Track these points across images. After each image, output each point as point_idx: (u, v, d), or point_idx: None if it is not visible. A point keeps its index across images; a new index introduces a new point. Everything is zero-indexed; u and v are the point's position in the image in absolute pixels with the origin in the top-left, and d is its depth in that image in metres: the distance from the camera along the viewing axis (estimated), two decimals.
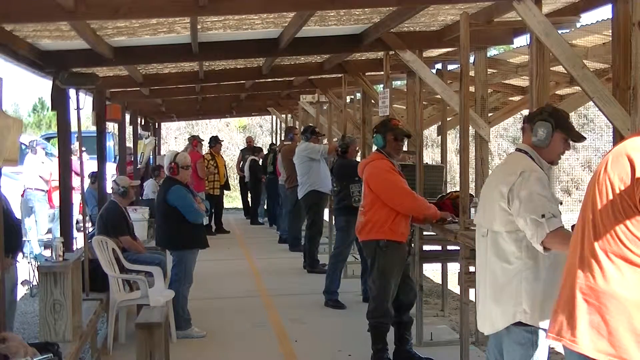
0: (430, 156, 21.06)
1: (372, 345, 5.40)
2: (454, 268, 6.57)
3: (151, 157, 15.14)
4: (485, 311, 3.43)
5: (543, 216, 3.09)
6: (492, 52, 8.38)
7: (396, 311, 5.45)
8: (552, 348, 3.45)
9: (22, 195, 10.75)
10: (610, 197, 2.34)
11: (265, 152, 15.84)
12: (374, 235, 5.29)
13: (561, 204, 3.37)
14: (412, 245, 5.77)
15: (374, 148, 5.71)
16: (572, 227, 2.91)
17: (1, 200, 3.89)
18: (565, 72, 5.87)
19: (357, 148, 8.08)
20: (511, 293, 3.26)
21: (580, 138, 3.47)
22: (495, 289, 3.33)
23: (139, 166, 13.37)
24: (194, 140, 12.87)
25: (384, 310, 5.32)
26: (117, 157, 12.89)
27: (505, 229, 3.27)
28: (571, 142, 3.43)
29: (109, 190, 8.23)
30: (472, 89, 5.65)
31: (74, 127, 6.55)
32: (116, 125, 12.73)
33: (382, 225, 5.26)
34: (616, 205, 2.32)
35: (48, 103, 24.17)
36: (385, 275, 5.28)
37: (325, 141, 10.57)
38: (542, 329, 3.18)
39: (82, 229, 6.99)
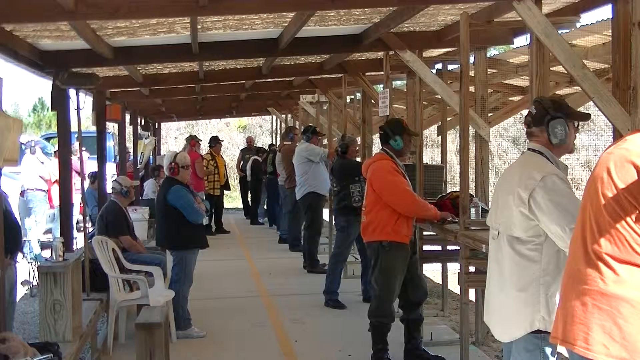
0: (430, 156, 21.06)
1: (372, 345, 5.40)
2: (454, 268, 6.57)
3: (151, 157, 15.15)
4: (501, 319, 3.32)
5: None
6: (492, 52, 8.38)
7: (404, 309, 5.51)
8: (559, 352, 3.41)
9: (22, 195, 10.74)
10: (617, 203, 2.31)
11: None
12: (377, 236, 5.31)
13: None
14: (416, 243, 5.75)
15: (374, 148, 5.73)
16: None
17: (1, 199, 3.89)
18: (565, 72, 5.87)
19: (357, 148, 8.07)
20: (528, 300, 3.15)
21: (586, 117, 3.42)
22: (512, 295, 3.21)
23: (139, 166, 13.38)
24: (192, 140, 12.90)
25: (385, 310, 5.33)
26: (117, 157, 12.89)
27: (527, 235, 3.16)
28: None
29: (109, 190, 8.23)
30: (472, 89, 5.65)
31: (74, 127, 6.55)
32: (116, 125, 12.74)
33: (385, 226, 5.28)
34: (624, 211, 2.29)
35: (48, 103, 24.19)
36: (388, 274, 5.29)
37: (325, 141, 10.57)
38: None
39: (82, 229, 6.99)
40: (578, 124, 3.35)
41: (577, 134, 3.37)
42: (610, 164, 2.37)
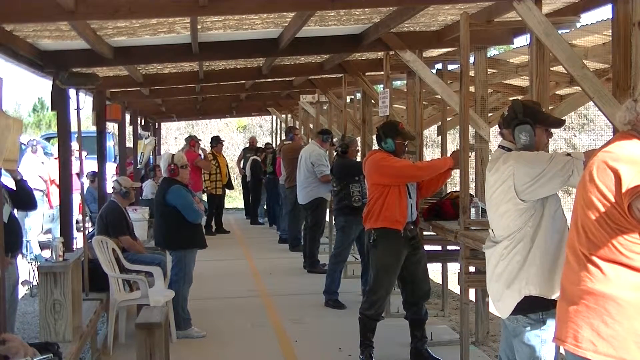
0: (430, 156, 21.03)
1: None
2: (454, 268, 6.57)
3: (151, 157, 15.15)
4: (497, 296, 3.47)
5: (569, 154, 3.18)
6: (492, 52, 8.38)
7: (404, 307, 5.61)
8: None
9: None
10: (601, 205, 2.39)
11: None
12: (371, 224, 5.34)
13: None
14: (415, 237, 5.45)
15: (374, 148, 5.74)
16: None
17: (1, 197, 3.88)
18: (565, 72, 5.87)
19: (357, 148, 8.06)
20: (513, 271, 3.31)
21: (559, 123, 3.54)
22: (504, 272, 3.37)
23: (139, 166, 13.37)
24: (192, 141, 12.90)
25: (369, 302, 5.41)
26: (117, 157, 12.89)
27: (507, 232, 3.33)
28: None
29: (109, 190, 8.22)
30: (472, 89, 5.65)
31: (74, 127, 6.55)
32: (116, 125, 12.73)
33: (375, 214, 5.30)
34: (607, 213, 2.37)
35: (48, 103, 24.16)
36: (376, 271, 5.35)
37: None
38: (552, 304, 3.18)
39: (82, 229, 6.98)
40: (549, 129, 3.45)
41: (549, 138, 3.49)
42: (593, 168, 2.46)
